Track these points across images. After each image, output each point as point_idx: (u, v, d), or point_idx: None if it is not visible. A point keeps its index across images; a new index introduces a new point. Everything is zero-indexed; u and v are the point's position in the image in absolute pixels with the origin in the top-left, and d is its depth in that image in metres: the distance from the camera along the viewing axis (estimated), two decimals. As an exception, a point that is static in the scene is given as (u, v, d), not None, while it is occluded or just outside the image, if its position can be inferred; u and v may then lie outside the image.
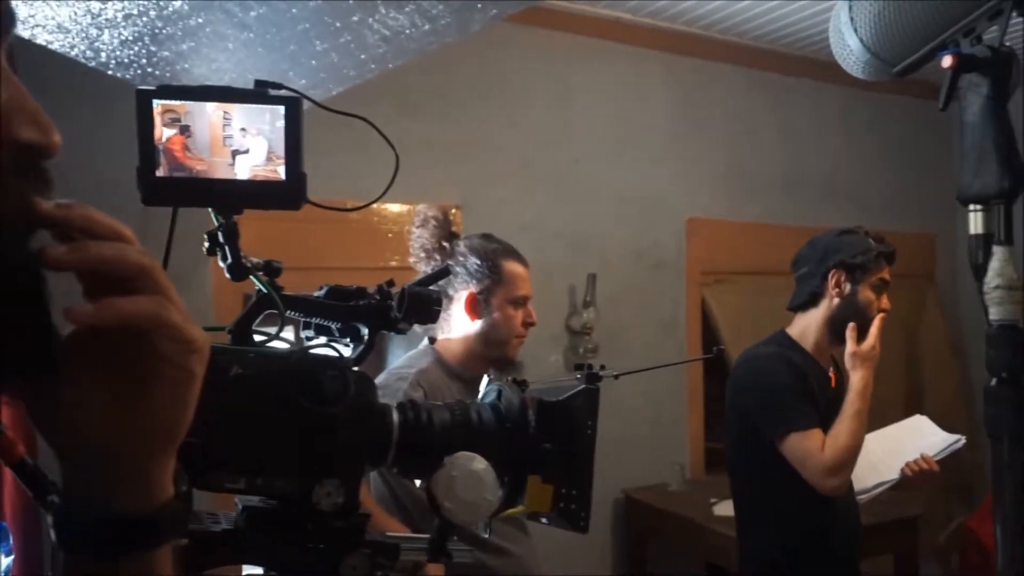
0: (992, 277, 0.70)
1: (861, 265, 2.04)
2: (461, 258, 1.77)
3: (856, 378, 1.96)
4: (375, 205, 2.93)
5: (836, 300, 2.06)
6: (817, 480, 1.91)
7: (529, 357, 1.98)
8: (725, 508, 3.06)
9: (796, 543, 2.04)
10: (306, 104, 0.90)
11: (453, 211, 3.00)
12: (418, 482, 0.92)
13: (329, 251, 2.76)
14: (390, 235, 2.94)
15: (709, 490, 3.26)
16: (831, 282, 2.06)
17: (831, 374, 2.15)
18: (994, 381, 0.70)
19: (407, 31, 2.11)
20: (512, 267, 1.79)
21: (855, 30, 0.82)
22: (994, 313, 0.70)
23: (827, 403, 2.05)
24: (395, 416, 0.89)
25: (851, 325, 2.00)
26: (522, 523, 1.79)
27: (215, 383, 0.80)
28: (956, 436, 2.21)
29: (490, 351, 1.78)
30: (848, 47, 0.83)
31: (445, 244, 1.77)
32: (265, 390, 0.81)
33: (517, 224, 3.04)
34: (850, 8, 0.83)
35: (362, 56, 2.19)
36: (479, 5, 2.09)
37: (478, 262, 1.76)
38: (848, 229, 2.13)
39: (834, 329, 2.06)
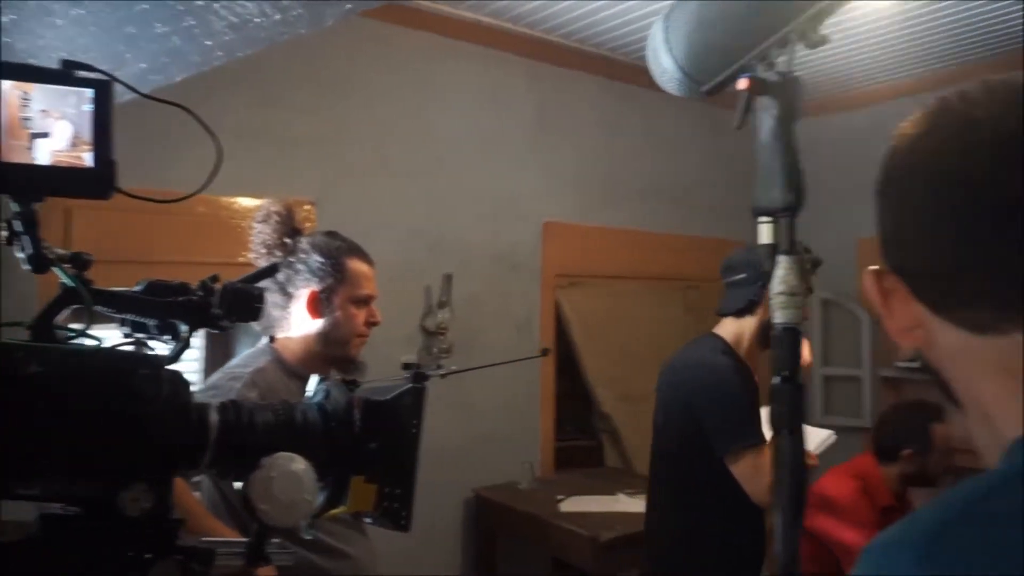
0: (777, 284, 0.76)
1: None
2: (303, 255, 1.73)
3: None
4: (224, 198, 2.82)
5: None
6: (763, 496, 1.98)
7: (382, 358, 1.97)
8: (571, 505, 3.16)
9: (717, 541, 2.12)
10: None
11: (307, 207, 2.94)
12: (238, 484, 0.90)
13: (177, 245, 2.64)
14: (239, 230, 2.84)
15: (557, 488, 3.35)
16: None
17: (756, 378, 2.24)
18: (778, 379, 0.76)
19: (256, 20, 2.04)
20: (356, 265, 1.77)
21: (669, 51, 0.87)
22: (778, 317, 0.76)
23: (753, 397, 2.14)
24: (214, 416, 0.86)
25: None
26: (360, 524, 1.77)
27: (6, 382, 0.75)
28: (829, 431, 2.44)
29: (330, 350, 1.75)
30: (662, 66, 0.88)
31: (287, 240, 1.72)
32: (66, 388, 0.77)
33: (374, 222, 3.01)
34: (665, 30, 0.88)
35: (207, 42, 2.10)
36: (332, -2, 2.06)
37: (321, 260, 1.73)
38: None
39: (766, 336, 2.15)
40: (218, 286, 0.92)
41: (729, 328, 2.25)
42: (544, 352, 1.65)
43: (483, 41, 3.49)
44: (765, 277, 2.23)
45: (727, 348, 2.20)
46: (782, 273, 0.75)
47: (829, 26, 0.79)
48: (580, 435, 4.14)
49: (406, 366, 0.97)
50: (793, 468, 0.73)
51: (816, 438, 2.39)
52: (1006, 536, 0.46)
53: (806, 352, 2.13)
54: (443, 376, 0.99)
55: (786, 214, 0.76)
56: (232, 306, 0.89)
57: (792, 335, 0.75)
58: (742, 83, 0.76)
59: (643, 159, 4.12)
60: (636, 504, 3.01)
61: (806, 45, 0.75)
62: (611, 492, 3.29)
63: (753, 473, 1.99)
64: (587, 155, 3.91)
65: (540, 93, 3.73)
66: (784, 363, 0.75)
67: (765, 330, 2.18)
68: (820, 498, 2.43)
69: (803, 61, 3.86)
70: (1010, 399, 0.56)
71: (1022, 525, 0.46)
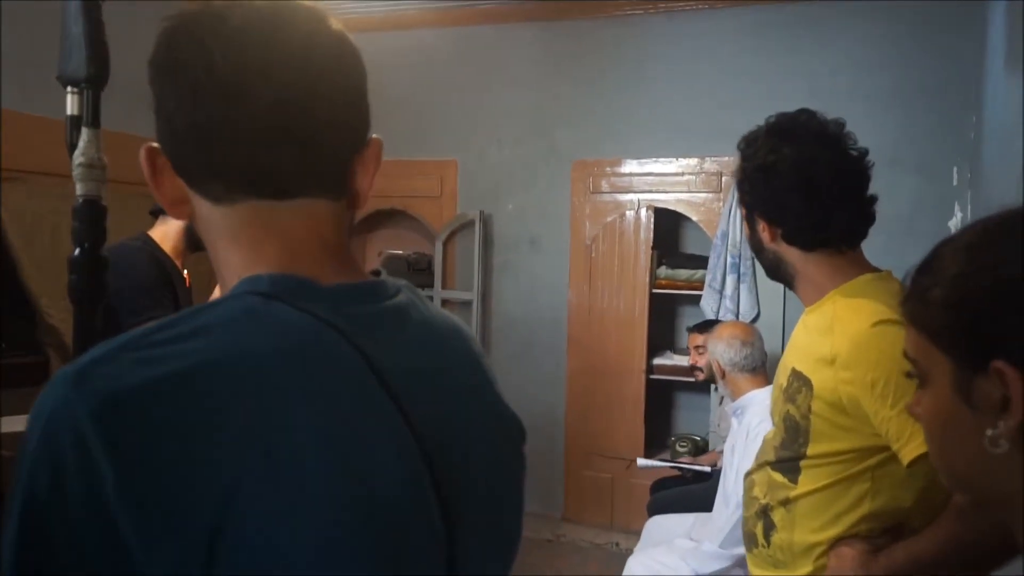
0: (77, 155, 0.76)
1: None
2: None
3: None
4: None
5: None
6: None
7: None
8: (6, 426, 2.81)
9: None
10: None
11: None
12: None
13: None
14: None
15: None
16: None
17: (186, 274, 2.38)
18: (78, 251, 0.77)
19: None
20: None
21: None
22: (79, 189, 0.76)
23: (184, 297, 2.31)
24: None
25: None
26: None
27: None
28: None
29: None
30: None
31: None
32: None
33: None
34: None
35: None
36: None
37: None
38: None
39: (190, 236, 2.32)
40: None
41: (158, 228, 2.37)
42: None
43: None
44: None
45: (151, 242, 2.31)
46: (83, 145, 0.75)
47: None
48: (21, 351, 3.68)
49: None
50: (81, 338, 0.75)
51: None
52: (169, 351, 0.54)
53: None
54: None
55: (90, 86, 0.75)
56: None
57: (91, 207, 0.76)
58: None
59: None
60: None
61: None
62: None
63: None
64: (29, 29, 3.38)
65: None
66: (84, 235, 0.76)
67: (190, 231, 2.29)
68: None
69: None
70: (235, 257, 0.66)
71: (189, 340, 0.55)
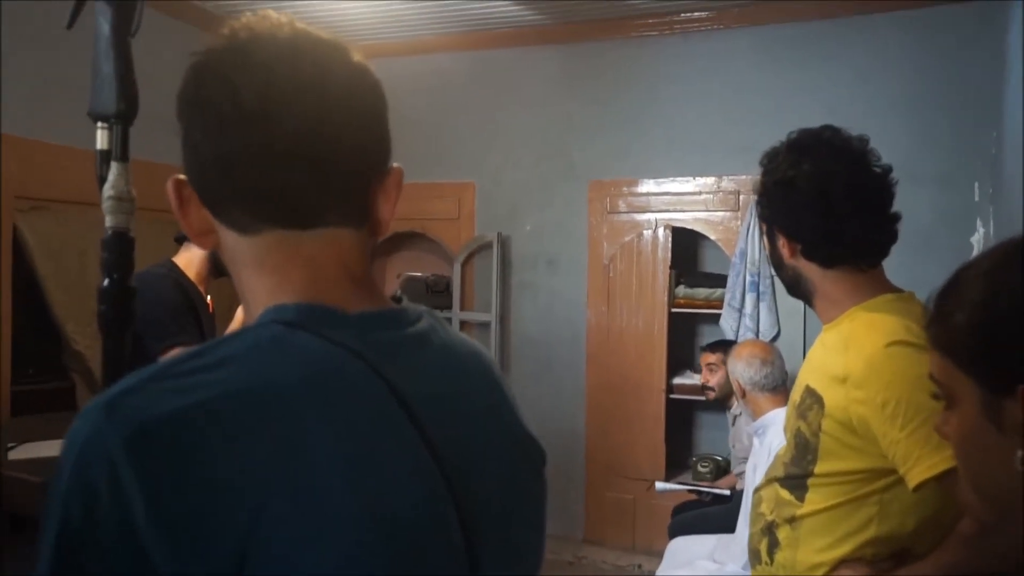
0: (107, 188, 0.78)
1: None
2: None
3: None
4: None
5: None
6: None
7: None
8: (23, 452, 2.84)
9: None
10: None
11: None
12: None
13: None
14: None
15: (11, 436, 2.98)
16: None
17: (209, 300, 2.39)
18: (107, 282, 0.78)
19: None
20: None
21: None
22: (108, 221, 0.78)
23: (207, 323, 2.33)
24: None
25: None
26: None
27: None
28: None
29: None
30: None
31: None
32: None
33: None
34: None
35: None
36: None
37: None
38: None
39: (213, 262, 2.33)
40: None
41: (182, 255, 2.39)
42: None
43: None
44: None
45: (175, 268, 2.33)
46: (112, 179, 0.77)
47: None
48: (47, 377, 3.73)
49: None
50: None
51: None
52: (196, 380, 0.55)
53: None
54: None
55: (119, 121, 0.78)
56: None
57: (120, 239, 0.78)
58: (72, -17, 0.75)
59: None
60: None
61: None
62: (76, 434, 3.04)
63: None
64: (57, 62, 3.45)
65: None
66: (113, 266, 0.78)
67: (213, 257, 2.31)
68: None
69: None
70: (260, 286, 0.67)
71: (216, 370, 0.56)
